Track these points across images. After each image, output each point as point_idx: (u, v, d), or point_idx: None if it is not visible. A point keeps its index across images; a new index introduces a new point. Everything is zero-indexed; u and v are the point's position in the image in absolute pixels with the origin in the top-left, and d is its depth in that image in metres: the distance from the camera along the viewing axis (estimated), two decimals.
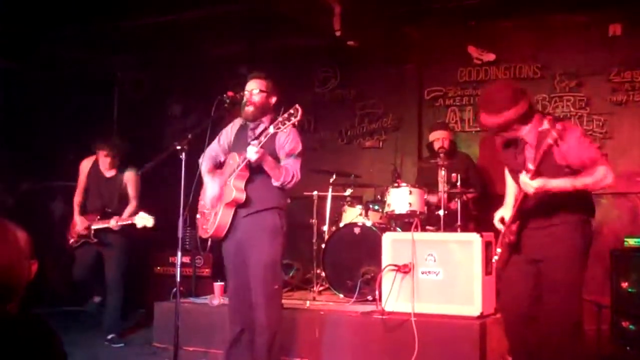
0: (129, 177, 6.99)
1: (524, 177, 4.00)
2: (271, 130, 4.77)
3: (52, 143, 7.39)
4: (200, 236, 5.41)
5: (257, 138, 4.87)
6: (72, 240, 7.02)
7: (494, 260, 4.42)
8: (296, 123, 4.73)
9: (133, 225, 6.63)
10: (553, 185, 3.95)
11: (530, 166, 3.98)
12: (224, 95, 5.06)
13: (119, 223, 6.70)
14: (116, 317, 7.00)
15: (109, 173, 7.05)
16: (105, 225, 6.79)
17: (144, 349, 6.54)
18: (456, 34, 8.57)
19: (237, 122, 5.41)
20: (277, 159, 5.03)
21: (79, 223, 6.95)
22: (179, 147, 4.83)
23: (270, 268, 5.03)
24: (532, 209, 4.17)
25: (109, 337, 6.85)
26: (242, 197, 5.00)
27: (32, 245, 2.50)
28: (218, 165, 5.34)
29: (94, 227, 6.87)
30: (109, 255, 6.98)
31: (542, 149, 3.92)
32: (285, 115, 4.70)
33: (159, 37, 8.85)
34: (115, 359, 6.24)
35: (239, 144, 5.18)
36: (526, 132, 4.14)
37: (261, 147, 4.81)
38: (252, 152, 4.79)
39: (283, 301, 6.25)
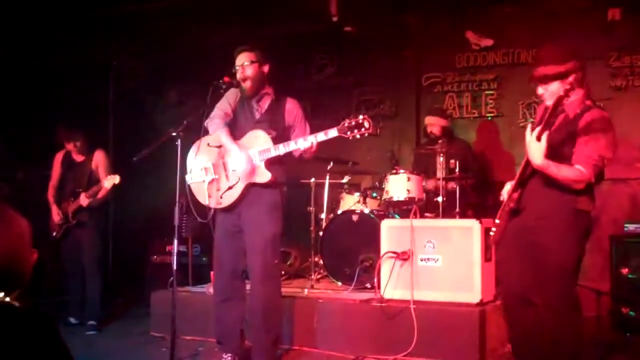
0: (98, 158, 7.15)
1: (531, 140, 3.95)
2: (334, 133, 4.80)
3: (47, 131, 7.37)
4: (208, 205, 5.13)
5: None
6: (54, 233, 7.12)
7: (491, 233, 4.36)
8: (364, 134, 4.75)
9: (105, 202, 6.95)
10: (544, 162, 3.93)
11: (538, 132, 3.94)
12: (220, 81, 5.04)
13: (87, 196, 6.81)
14: (94, 304, 7.02)
15: (79, 158, 7.21)
16: (78, 205, 6.91)
17: (141, 338, 6.50)
18: (454, 19, 8.51)
19: (232, 94, 5.30)
20: (280, 126, 5.09)
21: (55, 215, 7.09)
22: (174, 134, 4.80)
23: (270, 242, 5.04)
24: (532, 173, 4.14)
25: (88, 323, 6.90)
26: (268, 176, 5.02)
27: (32, 235, 2.46)
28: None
29: (70, 210, 7.00)
30: (84, 239, 7.06)
31: (552, 104, 3.91)
32: (352, 122, 4.73)
33: (155, 24, 8.80)
34: (112, 347, 6.21)
35: (244, 117, 5.17)
36: (570, 101, 4.09)
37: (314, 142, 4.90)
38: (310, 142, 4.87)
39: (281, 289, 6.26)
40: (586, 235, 4.18)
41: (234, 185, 5.04)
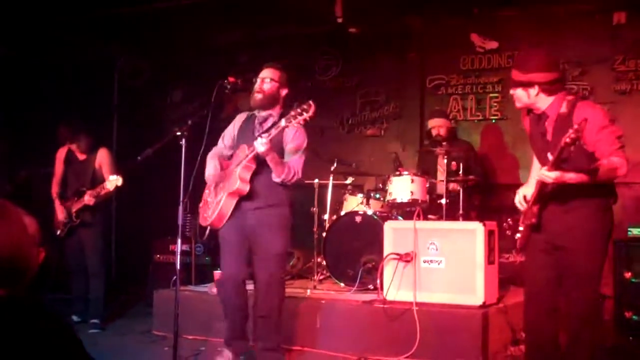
0: (102, 157, 7.11)
1: (542, 170, 3.99)
2: (282, 123, 4.78)
3: (51, 130, 7.36)
4: (200, 224, 5.41)
5: (267, 131, 4.87)
6: (58, 232, 7.09)
7: (517, 237, 4.36)
8: (308, 119, 4.73)
9: (108, 201, 6.87)
10: (568, 178, 3.93)
11: (550, 156, 3.95)
12: (225, 81, 5.05)
13: (92, 195, 6.75)
14: (98, 304, 7.03)
15: (82, 156, 7.17)
16: (83, 204, 6.86)
17: (143, 337, 6.50)
18: (459, 21, 8.49)
19: (239, 118, 5.45)
20: (281, 153, 5.04)
21: (60, 213, 7.07)
22: (178, 133, 4.81)
23: (278, 259, 5.13)
24: (552, 192, 4.14)
25: (91, 321, 6.90)
26: (246, 188, 5.02)
27: (40, 233, 2.46)
28: (226, 159, 5.37)
29: (74, 209, 6.96)
30: (87, 238, 7.06)
31: (560, 145, 3.83)
32: (298, 110, 4.72)
33: (160, 24, 8.79)
34: (115, 345, 6.20)
35: (245, 135, 5.21)
36: (548, 105, 4.15)
37: (270, 140, 4.81)
38: (260, 144, 4.79)
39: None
40: (611, 229, 4.21)
41: (218, 201, 5.14)
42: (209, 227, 5.34)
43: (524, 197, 4.34)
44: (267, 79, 5.15)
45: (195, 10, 8.38)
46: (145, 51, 9.54)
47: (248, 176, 5.01)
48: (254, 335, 5.34)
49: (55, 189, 7.21)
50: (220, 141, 5.44)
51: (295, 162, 5.07)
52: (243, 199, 5.07)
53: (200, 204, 5.38)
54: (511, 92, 4.31)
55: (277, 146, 4.97)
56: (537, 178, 4.14)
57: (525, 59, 4.29)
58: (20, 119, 8.55)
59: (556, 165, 3.90)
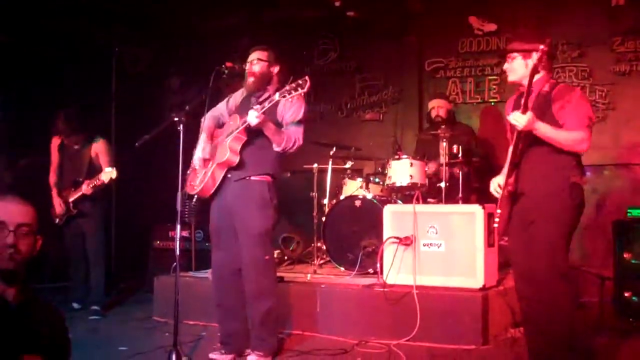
0: (98, 147, 7.07)
1: (515, 114, 4.13)
2: (276, 97, 4.77)
3: (50, 118, 7.33)
4: (187, 192, 5.30)
5: (260, 103, 4.85)
6: (57, 221, 7.09)
7: (495, 226, 4.38)
8: (303, 94, 4.73)
9: (106, 189, 6.83)
10: (540, 126, 4.09)
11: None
12: (223, 66, 5.05)
13: (90, 186, 6.70)
14: (99, 292, 7.05)
15: (77, 145, 7.11)
16: (80, 194, 6.84)
17: (144, 323, 6.51)
18: (457, 4, 8.46)
19: (241, 92, 5.39)
20: (277, 124, 5.01)
21: (57, 204, 7.05)
22: (176, 119, 4.80)
23: (260, 239, 5.03)
24: (524, 158, 4.27)
25: (91, 308, 6.90)
26: (235, 159, 5.00)
27: (37, 221, 2.46)
28: (219, 126, 5.32)
29: (71, 199, 6.95)
30: (87, 228, 7.07)
31: (536, 94, 4.14)
32: (293, 84, 4.69)
33: (158, 10, 8.76)
34: (115, 332, 6.22)
35: (243, 109, 5.15)
36: (535, 81, 4.20)
37: (263, 112, 4.80)
38: (253, 116, 4.79)
39: (284, 274, 6.29)
40: (580, 208, 4.26)
41: (206, 171, 5.11)
42: (195, 197, 5.33)
43: (498, 185, 4.40)
44: (255, 60, 5.12)
45: None
46: (143, 38, 9.52)
47: (238, 147, 4.98)
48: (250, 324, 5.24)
49: (52, 178, 7.18)
50: (223, 102, 5.39)
51: (294, 131, 5.02)
52: (231, 169, 5.04)
53: (188, 172, 5.28)
54: (506, 66, 4.39)
55: (272, 119, 4.94)
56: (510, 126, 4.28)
57: (526, 31, 4.60)
58: (18, 107, 8.52)
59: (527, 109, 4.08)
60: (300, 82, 4.67)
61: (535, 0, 8.03)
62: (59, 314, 2.79)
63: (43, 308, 2.67)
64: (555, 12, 7.83)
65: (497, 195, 4.38)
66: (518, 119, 4.10)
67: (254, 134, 4.95)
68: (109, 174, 6.52)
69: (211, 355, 5.22)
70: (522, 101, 4.11)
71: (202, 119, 5.27)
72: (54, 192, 7.10)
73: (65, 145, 7.14)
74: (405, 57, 8.83)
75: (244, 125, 4.90)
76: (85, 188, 6.74)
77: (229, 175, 5.07)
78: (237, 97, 5.37)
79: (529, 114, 4.06)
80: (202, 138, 5.19)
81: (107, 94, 9.55)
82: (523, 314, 4.53)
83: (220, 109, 5.37)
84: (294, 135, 5.00)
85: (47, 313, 2.64)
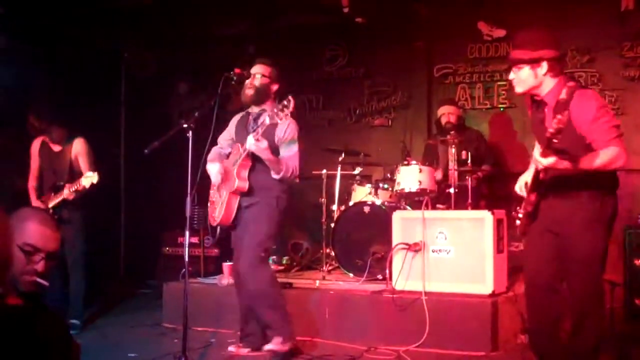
0: (78, 148, 6.68)
1: (536, 153, 3.93)
2: (267, 121, 4.91)
3: (58, 124, 7.31)
4: (210, 224, 5.50)
5: (255, 130, 5.04)
6: None
7: (517, 223, 4.33)
8: (289, 114, 4.85)
9: (88, 195, 6.38)
10: (563, 166, 3.84)
11: (542, 145, 3.87)
12: (231, 72, 5.10)
13: (72, 190, 6.32)
14: (77, 302, 6.64)
15: (57, 148, 6.75)
16: (61, 198, 6.44)
17: (153, 329, 6.51)
18: (466, 9, 8.45)
19: (234, 119, 5.58)
20: (276, 149, 5.15)
21: None
22: (185, 125, 4.81)
23: (261, 237, 5.18)
24: (549, 180, 4.09)
25: (70, 322, 6.39)
26: (245, 185, 5.18)
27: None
28: (226, 157, 5.53)
29: (50, 204, 6.51)
30: (66, 236, 6.31)
31: (545, 136, 3.74)
32: (280, 106, 4.83)
33: (166, 16, 8.77)
34: (125, 338, 6.22)
35: (240, 134, 5.35)
36: (547, 91, 4.07)
37: (260, 135, 4.97)
38: (251, 143, 4.96)
39: (293, 280, 6.31)
40: (611, 216, 4.11)
41: (222, 200, 5.28)
42: (218, 227, 5.47)
43: (525, 183, 4.31)
44: (258, 75, 5.27)
45: (201, 2, 8.37)
46: (152, 43, 9.54)
47: (245, 174, 5.18)
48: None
49: (32, 182, 6.84)
50: (220, 139, 5.59)
51: (289, 158, 5.19)
52: (243, 195, 5.23)
53: (208, 204, 5.50)
54: (512, 75, 4.17)
55: (270, 142, 5.07)
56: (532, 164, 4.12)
57: (531, 36, 4.13)
58: (27, 111, 8.54)
59: (550, 152, 3.79)
60: (285, 102, 4.80)
61: (544, 5, 7.99)
62: (64, 324, 2.79)
63: (51, 318, 2.66)
64: (564, 18, 7.80)
65: (522, 194, 4.31)
66: (538, 163, 3.88)
67: (257, 158, 5.11)
68: (89, 178, 6.19)
69: (230, 348, 5.43)
70: (545, 152, 3.79)
71: (206, 148, 5.34)
72: (33, 197, 6.75)
73: (46, 147, 6.78)
74: (414, 62, 8.82)
75: (245, 153, 5.08)
76: (67, 193, 6.36)
77: (241, 201, 5.25)
78: (230, 128, 5.57)
79: (550, 159, 3.77)
80: (209, 166, 5.41)
81: (116, 99, 9.57)
82: (533, 322, 4.49)
83: (220, 146, 5.58)
84: (290, 165, 5.16)
85: (55, 323, 2.63)
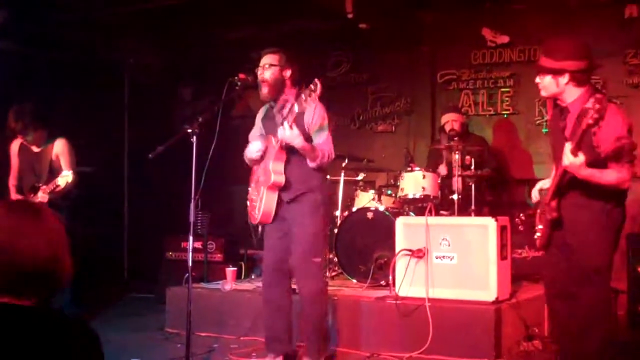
0: (59, 148, 6.54)
1: (567, 148, 3.89)
2: (295, 109, 4.76)
3: (62, 129, 7.31)
4: (252, 222, 5.42)
5: (285, 118, 4.86)
6: None
7: (536, 237, 4.34)
8: (316, 98, 4.69)
9: (68, 196, 6.28)
10: (586, 172, 3.89)
11: (569, 145, 3.89)
12: (235, 78, 5.04)
13: (47, 192, 6.17)
14: (64, 303, 6.37)
15: (37, 148, 6.61)
16: (39, 199, 6.23)
17: (156, 334, 6.51)
18: (470, 16, 8.46)
19: (259, 115, 5.42)
20: (308, 137, 5.00)
21: None
22: (189, 131, 4.80)
23: (311, 240, 5.04)
24: (567, 185, 4.11)
25: None
26: (282, 179, 5.01)
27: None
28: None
29: None
30: None
31: (581, 127, 3.81)
32: (307, 91, 4.68)
33: (170, 21, 8.79)
34: (128, 344, 6.21)
35: (269, 127, 5.19)
36: (572, 100, 4.10)
37: (290, 125, 4.81)
38: (284, 133, 4.81)
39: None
40: (617, 228, 4.16)
41: (261, 197, 5.11)
42: (260, 226, 5.41)
43: (540, 189, 4.34)
44: (266, 66, 5.07)
45: (205, 7, 8.39)
46: (156, 48, 9.56)
47: (281, 167, 5.00)
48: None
49: (13, 182, 6.69)
50: (249, 140, 5.41)
51: (323, 143, 5.03)
52: (281, 190, 5.06)
53: (248, 203, 5.33)
54: (537, 80, 4.21)
55: (301, 131, 4.92)
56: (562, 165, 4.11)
57: (557, 46, 4.19)
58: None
59: (579, 151, 3.83)
60: (311, 86, 4.66)
61: (548, 12, 8.00)
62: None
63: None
64: (568, 24, 7.80)
65: (535, 200, 4.34)
66: (566, 159, 3.88)
67: (292, 149, 4.96)
68: (65, 177, 6.03)
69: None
70: (576, 148, 3.84)
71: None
72: (12, 194, 6.63)
73: (25, 148, 6.63)
74: (417, 68, 8.83)
75: (279, 145, 4.93)
76: (42, 195, 6.18)
77: (281, 195, 5.08)
78: (257, 122, 5.41)
79: (580, 157, 3.82)
80: (254, 146, 5.21)
81: (120, 105, 9.59)
82: (559, 330, 4.51)
83: (255, 134, 5.40)
84: (326, 149, 5.01)
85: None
